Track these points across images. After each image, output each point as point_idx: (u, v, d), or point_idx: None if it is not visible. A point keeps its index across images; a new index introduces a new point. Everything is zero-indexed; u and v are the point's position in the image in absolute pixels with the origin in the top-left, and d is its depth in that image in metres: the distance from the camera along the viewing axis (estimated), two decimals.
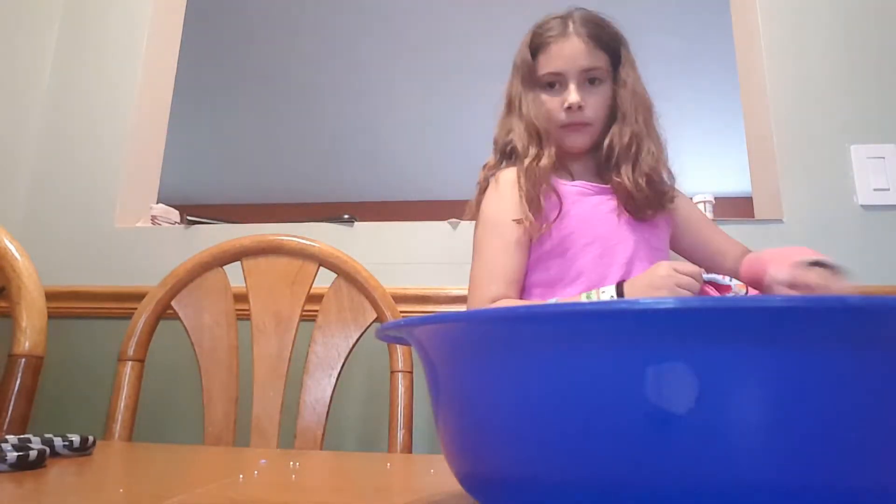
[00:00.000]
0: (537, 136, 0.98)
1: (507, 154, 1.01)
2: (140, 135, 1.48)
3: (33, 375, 0.75)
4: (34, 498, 0.32)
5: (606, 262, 0.92)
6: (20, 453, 0.38)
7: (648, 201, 0.95)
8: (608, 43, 0.99)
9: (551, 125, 0.98)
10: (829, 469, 0.19)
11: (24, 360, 0.75)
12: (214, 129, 3.96)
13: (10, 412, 0.72)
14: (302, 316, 0.95)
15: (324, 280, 0.97)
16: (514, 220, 0.93)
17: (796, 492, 0.19)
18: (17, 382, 0.74)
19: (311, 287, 0.97)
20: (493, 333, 0.23)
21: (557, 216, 0.94)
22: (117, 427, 0.85)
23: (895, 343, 0.19)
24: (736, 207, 2.12)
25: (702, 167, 4.18)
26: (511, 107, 1.03)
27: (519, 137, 0.99)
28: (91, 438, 0.47)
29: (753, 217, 1.35)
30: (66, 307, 1.31)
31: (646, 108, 1.00)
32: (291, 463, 0.45)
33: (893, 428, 0.19)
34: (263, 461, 0.47)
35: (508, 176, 0.98)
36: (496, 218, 0.96)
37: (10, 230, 0.85)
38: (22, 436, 0.45)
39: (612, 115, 0.99)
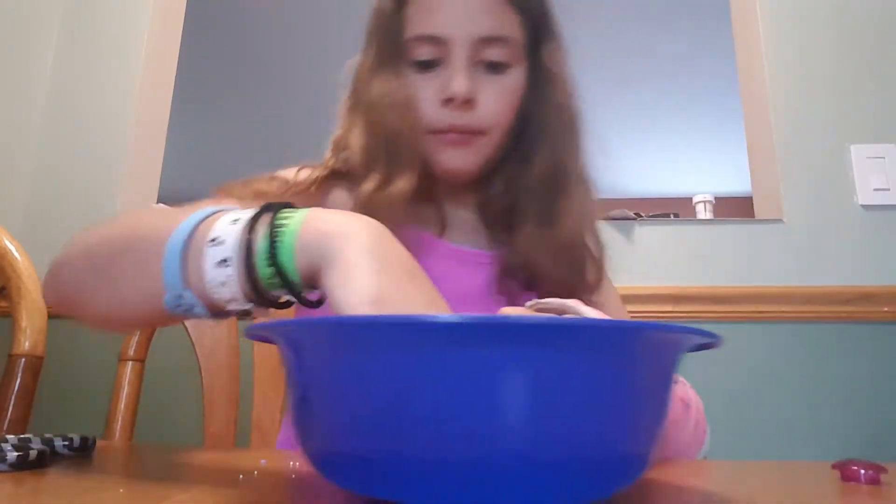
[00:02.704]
0: (386, 149, 0.60)
1: (341, 166, 0.65)
2: (140, 134, 1.48)
3: (33, 375, 0.75)
4: (34, 498, 0.32)
5: None
6: (20, 453, 0.38)
7: (558, 285, 0.59)
8: (528, 3, 0.60)
9: (418, 130, 0.60)
10: (576, 443, 0.26)
11: (24, 360, 0.75)
12: (215, 129, 3.96)
13: (10, 412, 0.72)
14: None
15: None
16: None
17: (555, 461, 0.25)
18: (17, 382, 0.74)
19: None
20: (341, 338, 0.28)
21: None
22: (117, 427, 0.85)
23: (603, 350, 0.26)
24: (736, 207, 2.12)
25: (702, 167, 4.18)
26: (355, 91, 0.65)
27: (358, 147, 0.62)
28: (91, 438, 0.47)
29: (753, 217, 1.35)
30: None
31: (570, 121, 0.62)
32: (291, 463, 0.45)
33: (619, 410, 0.27)
34: (263, 461, 0.47)
35: (338, 201, 0.63)
36: None
37: (10, 230, 0.85)
38: (22, 436, 0.45)
39: (521, 125, 0.62)
